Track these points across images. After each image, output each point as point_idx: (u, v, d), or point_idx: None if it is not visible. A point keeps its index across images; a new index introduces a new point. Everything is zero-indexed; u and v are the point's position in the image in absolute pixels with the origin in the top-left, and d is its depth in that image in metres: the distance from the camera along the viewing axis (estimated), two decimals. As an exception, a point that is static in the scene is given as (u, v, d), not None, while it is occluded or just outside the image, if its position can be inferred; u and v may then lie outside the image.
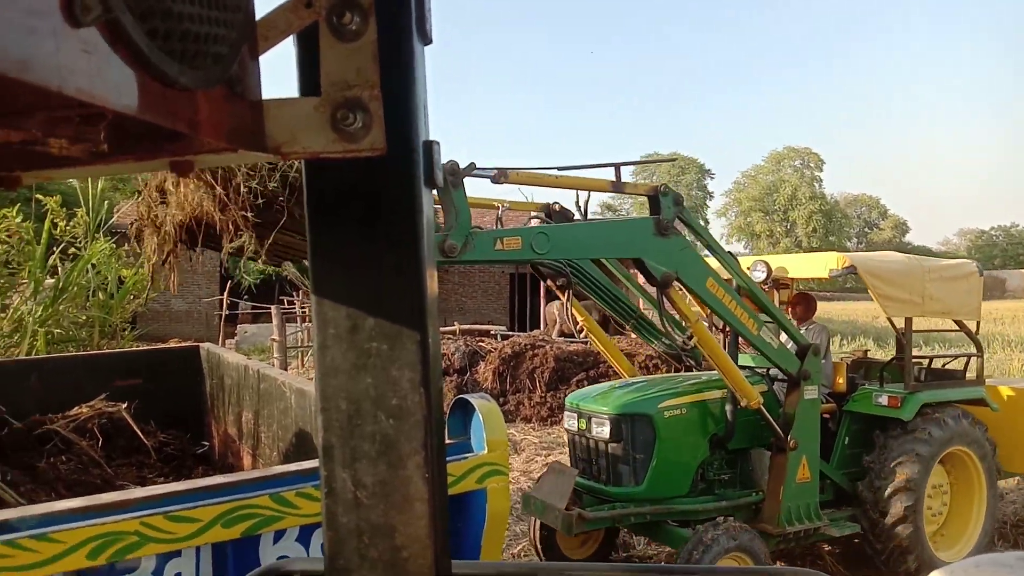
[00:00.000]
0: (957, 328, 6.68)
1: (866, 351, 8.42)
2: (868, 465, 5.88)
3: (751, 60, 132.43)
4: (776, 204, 71.20)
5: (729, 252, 5.50)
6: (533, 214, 5.47)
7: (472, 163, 4.29)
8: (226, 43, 0.72)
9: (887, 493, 5.69)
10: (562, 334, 15.02)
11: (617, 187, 5.00)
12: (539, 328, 19.72)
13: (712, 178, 78.62)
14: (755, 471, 5.91)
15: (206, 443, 5.46)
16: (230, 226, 3.78)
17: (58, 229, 9.33)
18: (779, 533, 5.37)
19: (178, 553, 2.16)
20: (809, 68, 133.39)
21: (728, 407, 5.52)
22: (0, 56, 0.46)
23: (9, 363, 5.67)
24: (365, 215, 0.85)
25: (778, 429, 5.37)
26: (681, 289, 4.87)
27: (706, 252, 5.36)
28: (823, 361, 6.00)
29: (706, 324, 5.54)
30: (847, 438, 6.15)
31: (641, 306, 7.04)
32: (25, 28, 0.48)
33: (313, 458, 3.08)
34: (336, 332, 0.85)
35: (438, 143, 0.90)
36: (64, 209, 9.28)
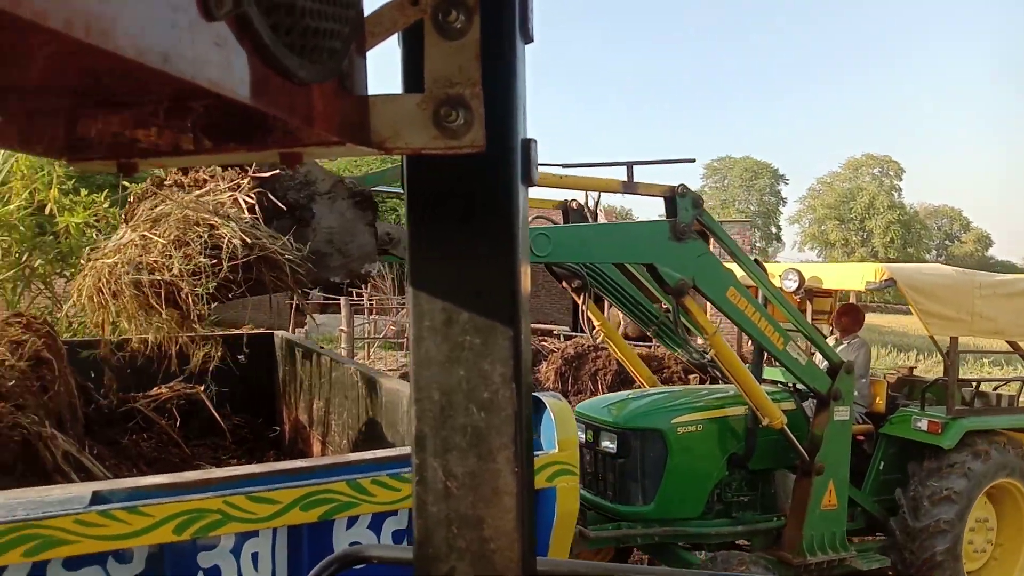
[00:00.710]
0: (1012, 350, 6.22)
1: (911, 368, 7.74)
2: (903, 496, 5.47)
3: (831, 60, 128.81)
4: (852, 213, 69.07)
5: (755, 259, 5.21)
6: (535, 215, 5.25)
7: None
8: (340, 39, 0.75)
9: (923, 528, 5.27)
10: (627, 337, 14.90)
11: (629, 188, 4.75)
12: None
13: (786, 183, 76.90)
14: (778, 494, 5.55)
15: (277, 428, 5.60)
16: (195, 348, 3.63)
17: (144, 216, 9.70)
18: (800, 563, 5.02)
19: (255, 533, 2.23)
20: (888, 74, 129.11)
21: (749, 425, 5.17)
22: (146, 48, 0.49)
23: (96, 342, 5.91)
24: (463, 211, 0.87)
25: (803, 451, 5.03)
26: (699, 298, 4.61)
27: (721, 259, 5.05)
28: (861, 380, 5.66)
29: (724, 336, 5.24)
30: (882, 463, 5.74)
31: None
32: (168, 22, 0.51)
33: (381, 447, 3.14)
34: (431, 324, 0.87)
35: (535, 141, 0.91)
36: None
